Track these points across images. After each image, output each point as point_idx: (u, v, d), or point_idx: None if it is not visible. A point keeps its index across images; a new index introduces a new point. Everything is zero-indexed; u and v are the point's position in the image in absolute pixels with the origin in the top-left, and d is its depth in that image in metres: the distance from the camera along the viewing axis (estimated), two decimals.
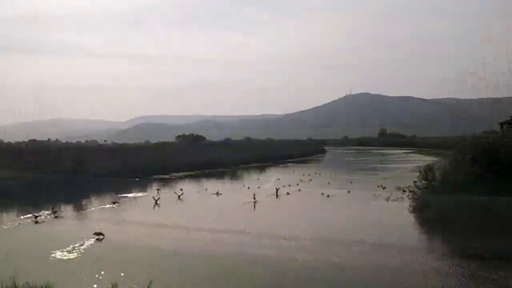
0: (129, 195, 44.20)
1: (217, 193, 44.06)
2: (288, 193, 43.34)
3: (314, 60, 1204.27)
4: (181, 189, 45.32)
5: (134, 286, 15.93)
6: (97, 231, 25.28)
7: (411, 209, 30.60)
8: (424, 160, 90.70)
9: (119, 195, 42.65)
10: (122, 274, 17.98)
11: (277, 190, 43.96)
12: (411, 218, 29.30)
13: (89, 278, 17.69)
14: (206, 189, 46.64)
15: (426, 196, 29.68)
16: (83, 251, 22.19)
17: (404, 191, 40.39)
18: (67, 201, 39.10)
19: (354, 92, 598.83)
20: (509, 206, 23.77)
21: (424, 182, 31.62)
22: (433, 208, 27.55)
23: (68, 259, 20.76)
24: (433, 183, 30.82)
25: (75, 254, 21.55)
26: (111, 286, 14.03)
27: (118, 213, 34.55)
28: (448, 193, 26.94)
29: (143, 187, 51.99)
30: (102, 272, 18.22)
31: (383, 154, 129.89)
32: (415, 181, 36.14)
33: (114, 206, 37.43)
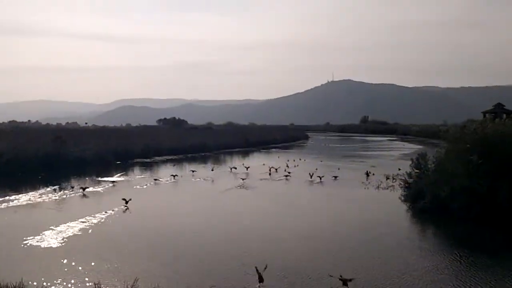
0: (112, 178, 42.79)
1: (213, 169, 48.31)
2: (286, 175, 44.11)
3: (296, 46, 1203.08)
4: (174, 165, 48.87)
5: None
6: (124, 198, 28.40)
7: (403, 198, 29.86)
8: (408, 147, 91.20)
9: (101, 178, 41.60)
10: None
11: (269, 173, 45.61)
12: (404, 207, 28.66)
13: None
14: (193, 173, 45.50)
15: (419, 185, 28.92)
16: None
17: (393, 179, 39.94)
18: (51, 183, 37.82)
19: (336, 79, 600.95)
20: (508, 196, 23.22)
21: (416, 170, 30.85)
22: (427, 197, 26.87)
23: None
24: (426, 171, 30.11)
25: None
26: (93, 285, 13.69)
27: (120, 193, 33.21)
28: (443, 182, 26.24)
29: (125, 169, 50.74)
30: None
31: (366, 141, 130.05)
32: (399, 169, 35.68)
33: (112, 185, 37.73)
